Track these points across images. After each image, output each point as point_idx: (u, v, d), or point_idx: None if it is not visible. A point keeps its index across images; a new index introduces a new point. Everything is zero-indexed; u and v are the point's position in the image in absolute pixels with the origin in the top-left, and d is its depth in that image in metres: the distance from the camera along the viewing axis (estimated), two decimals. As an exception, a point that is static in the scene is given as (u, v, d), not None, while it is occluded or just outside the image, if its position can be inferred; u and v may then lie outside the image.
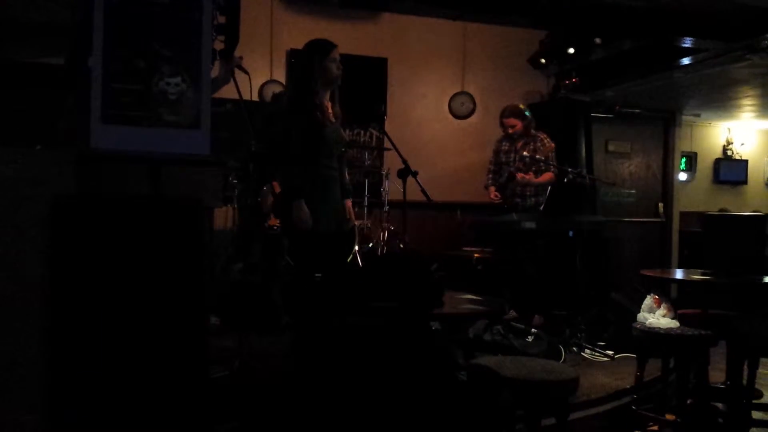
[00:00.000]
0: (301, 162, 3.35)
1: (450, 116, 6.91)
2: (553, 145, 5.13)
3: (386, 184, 5.95)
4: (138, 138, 2.35)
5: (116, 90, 2.33)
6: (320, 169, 3.41)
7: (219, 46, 2.91)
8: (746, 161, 8.88)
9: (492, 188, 5.30)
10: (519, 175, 5.01)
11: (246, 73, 3.59)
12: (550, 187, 4.92)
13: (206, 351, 2.54)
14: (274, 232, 4.32)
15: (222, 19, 2.83)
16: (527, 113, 5.24)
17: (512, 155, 5.22)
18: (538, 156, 4.99)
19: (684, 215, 7.78)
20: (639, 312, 3.64)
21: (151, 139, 2.36)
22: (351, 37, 6.23)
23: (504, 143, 5.35)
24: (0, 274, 2.19)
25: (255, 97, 5.84)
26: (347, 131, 6.41)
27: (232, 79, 3.71)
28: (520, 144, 5.19)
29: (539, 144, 5.13)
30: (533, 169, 5.04)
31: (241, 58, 3.48)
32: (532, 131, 5.24)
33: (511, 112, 5.24)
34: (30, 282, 2.21)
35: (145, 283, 2.26)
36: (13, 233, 2.21)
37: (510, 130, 5.23)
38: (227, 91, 3.81)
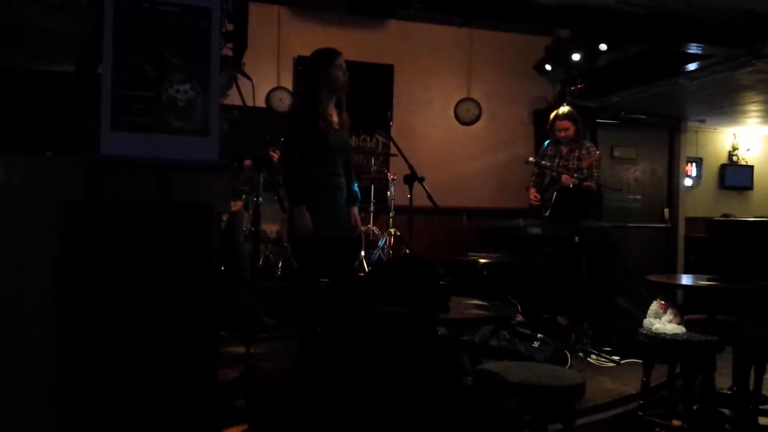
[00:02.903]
0: (303, 169, 3.38)
1: (456, 122, 6.93)
2: (598, 154, 5.05)
3: (392, 189, 5.97)
4: (147, 144, 2.37)
5: (126, 97, 2.36)
6: (324, 176, 3.44)
7: (227, 53, 2.93)
8: (752, 167, 8.86)
9: (533, 190, 5.22)
10: (564, 177, 4.94)
11: (249, 79, 3.60)
12: (555, 193, 4.92)
13: (215, 355, 2.56)
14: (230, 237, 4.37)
15: (230, 27, 2.86)
16: (579, 119, 5.16)
17: (557, 160, 5.12)
18: (584, 162, 4.95)
19: (689, 221, 7.78)
20: (645, 317, 3.64)
21: (161, 146, 2.38)
22: (357, 44, 6.26)
23: (549, 147, 5.24)
24: (10, 280, 2.21)
25: (262, 104, 5.90)
26: (353, 137, 6.44)
27: (235, 85, 3.74)
28: (566, 150, 5.12)
29: (584, 152, 5.04)
30: (575, 176, 4.97)
31: (243, 63, 3.50)
32: (581, 138, 5.16)
33: (566, 115, 5.13)
34: (39, 288, 2.23)
35: (154, 289, 2.28)
36: (22, 239, 2.23)
37: (562, 134, 5.11)
38: (234, 98, 3.85)
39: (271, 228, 5.27)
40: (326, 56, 3.46)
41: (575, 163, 5.02)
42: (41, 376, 2.21)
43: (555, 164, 5.10)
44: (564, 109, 5.22)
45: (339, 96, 3.53)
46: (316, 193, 3.40)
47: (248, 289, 4.56)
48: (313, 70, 3.46)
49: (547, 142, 5.28)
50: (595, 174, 4.98)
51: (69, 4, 3.51)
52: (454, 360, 3.35)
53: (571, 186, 4.89)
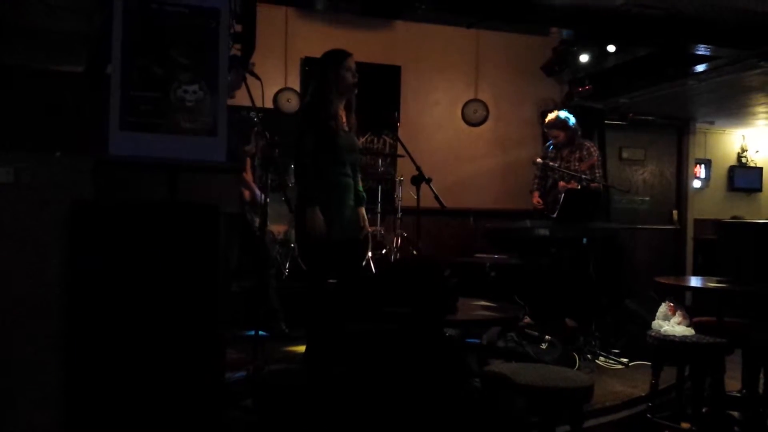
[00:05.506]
0: (314, 170, 3.39)
1: (463, 123, 6.92)
2: (596, 157, 5.06)
3: (399, 190, 5.97)
4: (156, 145, 2.38)
5: (134, 97, 2.36)
6: (333, 177, 3.45)
7: (235, 53, 2.94)
8: (761, 168, 8.81)
9: (536, 193, 5.26)
10: (561, 184, 4.95)
11: (258, 79, 3.61)
12: (563, 194, 4.90)
13: (222, 354, 2.56)
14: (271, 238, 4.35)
15: (238, 28, 2.87)
16: (570, 122, 5.12)
17: (557, 162, 5.13)
18: (582, 165, 4.94)
19: (698, 222, 7.75)
20: (653, 319, 3.62)
21: (169, 146, 2.39)
22: (365, 45, 6.25)
23: (550, 149, 5.26)
24: (20, 277, 2.22)
25: (269, 105, 5.90)
26: (360, 138, 6.44)
27: (244, 85, 3.76)
28: (566, 152, 5.13)
29: (585, 153, 5.05)
30: (583, 177, 4.96)
31: (253, 64, 3.51)
32: (579, 140, 5.15)
33: (553, 124, 5.14)
34: (49, 285, 2.24)
35: (161, 287, 2.29)
36: (33, 237, 2.25)
37: (554, 141, 5.16)
38: (241, 98, 3.86)
39: (278, 229, 5.28)
40: (336, 57, 3.47)
41: (576, 164, 5.03)
42: (49, 371, 2.22)
43: (556, 165, 5.12)
44: (551, 116, 5.23)
45: (349, 97, 3.54)
46: (327, 194, 3.41)
47: (274, 292, 4.58)
48: (323, 71, 3.47)
49: (549, 143, 5.29)
50: (597, 174, 4.98)
51: (78, 6, 3.52)
52: (462, 361, 3.34)
53: (578, 188, 4.88)
